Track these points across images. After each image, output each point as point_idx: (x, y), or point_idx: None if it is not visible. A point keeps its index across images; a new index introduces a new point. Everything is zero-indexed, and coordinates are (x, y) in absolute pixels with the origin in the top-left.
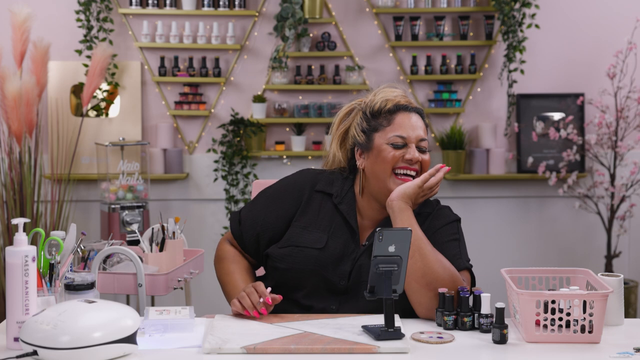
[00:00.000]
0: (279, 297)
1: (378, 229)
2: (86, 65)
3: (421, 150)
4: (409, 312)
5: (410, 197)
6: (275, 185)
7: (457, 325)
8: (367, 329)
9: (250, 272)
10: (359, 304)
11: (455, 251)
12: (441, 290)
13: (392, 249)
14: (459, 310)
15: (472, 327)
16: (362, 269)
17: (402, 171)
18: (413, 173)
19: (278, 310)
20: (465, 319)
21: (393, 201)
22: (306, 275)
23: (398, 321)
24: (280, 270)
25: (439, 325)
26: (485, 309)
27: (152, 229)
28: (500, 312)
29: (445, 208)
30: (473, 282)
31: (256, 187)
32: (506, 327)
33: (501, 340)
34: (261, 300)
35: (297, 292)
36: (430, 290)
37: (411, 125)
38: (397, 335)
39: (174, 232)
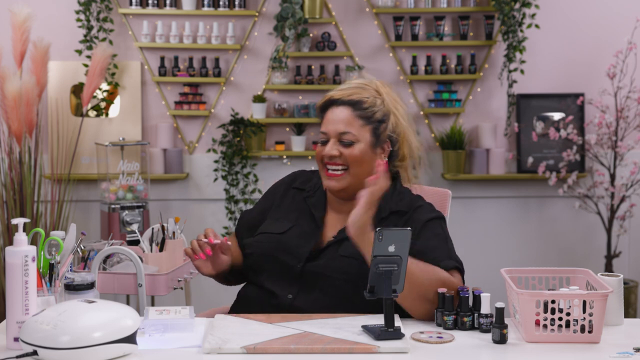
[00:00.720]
0: (224, 240)
1: (378, 229)
2: (86, 65)
3: (344, 143)
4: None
5: (364, 225)
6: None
7: (457, 325)
8: (367, 328)
9: (237, 251)
10: (313, 296)
11: (440, 252)
12: (441, 290)
13: (392, 248)
14: (458, 310)
15: (472, 327)
16: (326, 258)
17: (328, 166)
18: (338, 167)
19: (245, 295)
20: (465, 319)
21: (352, 237)
22: (264, 258)
23: (398, 321)
24: (246, 256)
25: (439, 325)
26: (485, 308)
27: (152, 229)
28: (500, 312)
29: (424, 206)
30: (462, 281)
31: None
32: (506, 327)
33: (501, 340)
34: (204, 240)
35: (260, 275)
36: (422, 301)
37: (332, 120)
38: (397, 335)
39: (174, 232)
